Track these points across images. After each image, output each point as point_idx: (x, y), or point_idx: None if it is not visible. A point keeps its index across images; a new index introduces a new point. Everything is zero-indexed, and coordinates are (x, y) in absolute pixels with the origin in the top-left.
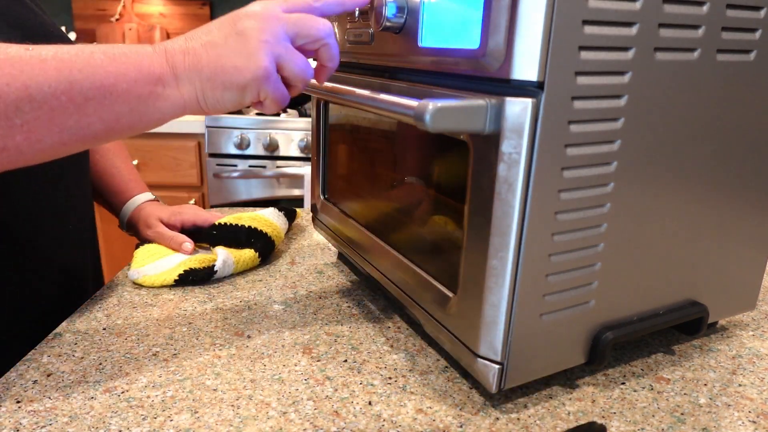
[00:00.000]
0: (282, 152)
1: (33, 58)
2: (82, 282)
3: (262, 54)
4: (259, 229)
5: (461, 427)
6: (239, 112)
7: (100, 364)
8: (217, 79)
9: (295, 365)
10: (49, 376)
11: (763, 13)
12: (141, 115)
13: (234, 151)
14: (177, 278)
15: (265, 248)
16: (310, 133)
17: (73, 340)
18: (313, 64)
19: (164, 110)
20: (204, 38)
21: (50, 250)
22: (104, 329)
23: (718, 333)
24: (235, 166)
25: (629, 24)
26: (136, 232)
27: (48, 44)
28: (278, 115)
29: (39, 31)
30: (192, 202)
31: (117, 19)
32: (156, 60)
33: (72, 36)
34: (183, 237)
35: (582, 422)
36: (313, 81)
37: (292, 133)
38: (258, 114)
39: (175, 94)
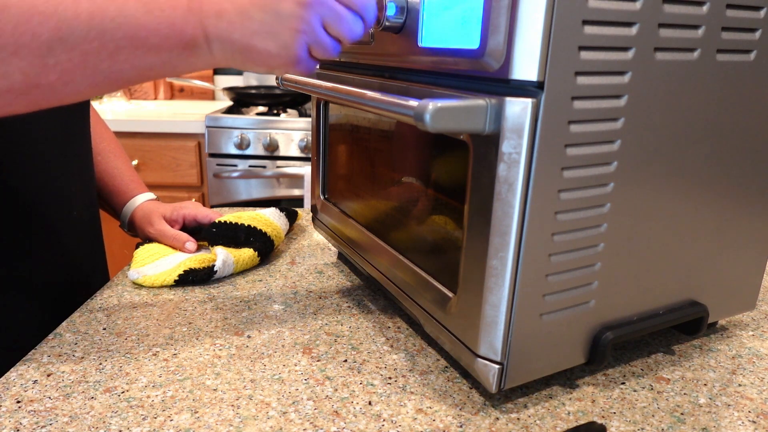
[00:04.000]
0: (282, 152)
1: (66, 1)
2: (87, 274)
3: (296, 44)
4: (258, 228)
5: (461, 427)
6: (239, 111)
7: (100, 364)
8: (248, 54)
9: (295, 365)
10: (49, 376)
11: (763, 13)
12: (173, 67)
13: (234, 151)
14: (177, 278)
15: (265, 248)
16: (310, 133)
17: (73, 340)
18: None
19: (196, 65)
20: (239, 5)
21: (54, 238)
22: (104, 329)
23: (718, 333)
24: (235, 166)
25: (629, 24)
26: (137, 231)
27: None
28: (278, 115)
29: None
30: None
31: None
32: (190, 18)
33: None
34: (185, 236)
35: (582, 422)
36: (316, 81)
37: (292, 133)
38: (258, 114)
39: (205, 54)
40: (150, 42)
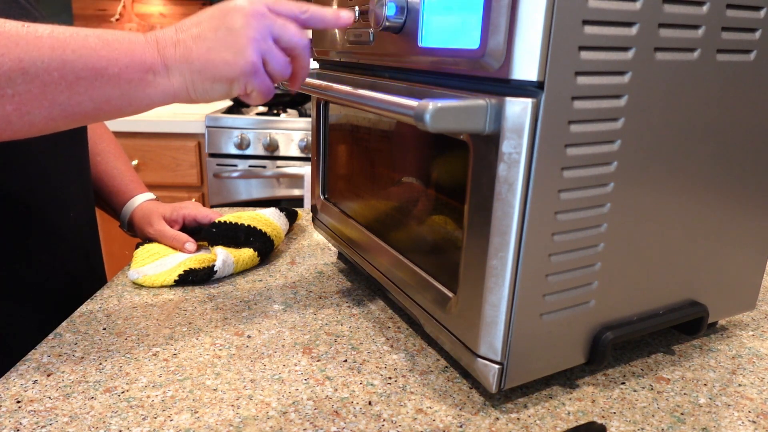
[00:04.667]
0: (282, 152)
1: (29, 34)
2: (84, 275)
3: (251, 50)
4: (258, 228)
5: (461, 427)
6: (239, 111)
7: (100, 364)
8: (207, 71)
9: (295, 365)
10: (49, 376)
11: (763, 13)
12: (131, 99)
13: (234, 151)
14: (177, 278)
15: (265, 248)
16: (310, 133)
17: (73, 340)
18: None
19: (154, 97)
20: (194, 30)
21: (51, 239)
22: (104, 329)
23: (718, 333)
24: (235, 166)
25: (629, 24)
26: (137, 232)
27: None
28: (278, 114)
29: None
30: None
31: (117, 19)
32: (148, 49)
33: None
34: (185, 236)
35: (582, 422)
36: (316, 81)
37: (292, 133)
38: (258, 114)
39: (165, 82)
40: (109, 71)
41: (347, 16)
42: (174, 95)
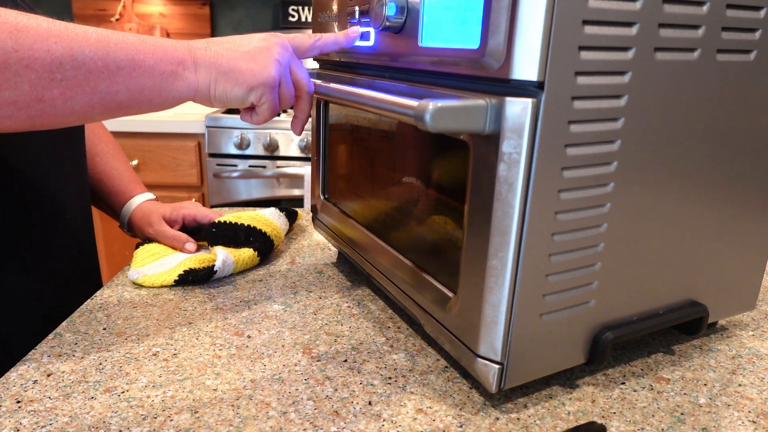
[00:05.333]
0: (282, 152)
1: (77, 28)
2: (79, 277)
3: (273, 67)
4: (258, 228)
5: (461, 427)
6: (238, 111)
7: (100, 364)
8: (232, 75)
9: (295, 365)
10: (49, 376)
11: (763, 13)
12: (160, 91)
13: (234, 151)
14: (177, 278)
15: (264, 247)
16: (310, 133)
17: (73, 340)
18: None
19: (180, 90)
20: (224, 44)
21: (46, 241)
22: (104, 329)
23: (718, 333)
24: (235, 166)
25: (629, 24)
26: (137, 232)
27: None
28: (278, 115)
29: None
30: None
31: (117, 19)
32: (179, 47)
33: None
34: (185, 236)
35: (582, 422)
36: (316, 81)
37: (292, 133)
38: None
39: (192, 77)
40: (146, 63)
41: (354, 31)
42: (197, 90)
